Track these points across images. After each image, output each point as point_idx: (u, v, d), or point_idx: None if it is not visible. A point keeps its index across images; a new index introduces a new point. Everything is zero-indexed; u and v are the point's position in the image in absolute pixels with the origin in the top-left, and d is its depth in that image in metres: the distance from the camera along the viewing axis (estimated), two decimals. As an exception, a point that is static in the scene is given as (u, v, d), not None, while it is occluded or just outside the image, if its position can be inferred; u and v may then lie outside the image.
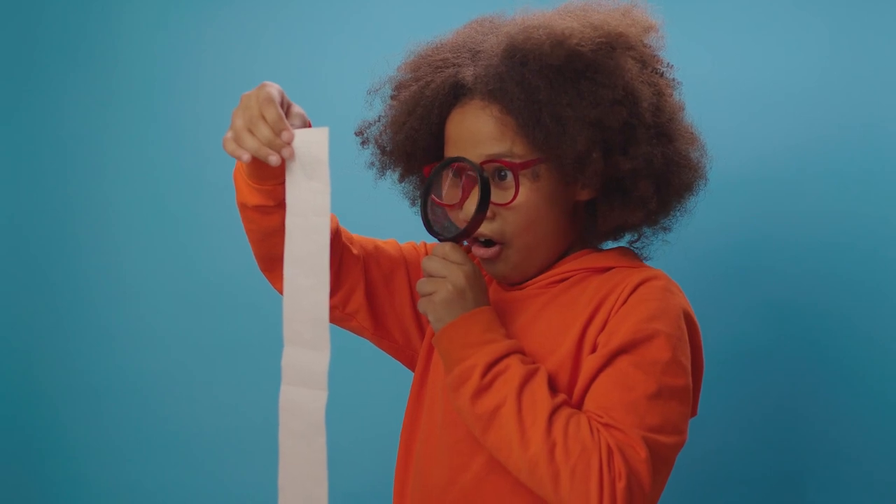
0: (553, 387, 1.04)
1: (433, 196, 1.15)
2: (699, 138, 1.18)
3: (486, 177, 1.07)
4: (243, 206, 1.12)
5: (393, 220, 1.36)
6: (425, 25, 1.24)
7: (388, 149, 1.20)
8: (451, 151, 1.14)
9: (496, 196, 1.09)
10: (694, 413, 1.13)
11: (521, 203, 1.10)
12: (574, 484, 0.97)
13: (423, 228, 1.13)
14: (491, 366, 1.03)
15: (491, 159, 1.10)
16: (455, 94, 1.13)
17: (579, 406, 1.05)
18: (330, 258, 1.00)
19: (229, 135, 1.01)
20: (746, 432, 1.55)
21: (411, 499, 1.17)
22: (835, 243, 1.51)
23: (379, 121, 1.21)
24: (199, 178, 1.87)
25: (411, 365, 1.27)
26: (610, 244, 1.21)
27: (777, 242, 1.54)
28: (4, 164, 1.98)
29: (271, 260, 1.15)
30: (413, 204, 1.27)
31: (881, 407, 1.49)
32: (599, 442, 0.98)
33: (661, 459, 1.02)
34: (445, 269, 1.07)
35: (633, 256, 1.19)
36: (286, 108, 1.03)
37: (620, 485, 0.97)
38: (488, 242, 1.13)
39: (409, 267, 1.24)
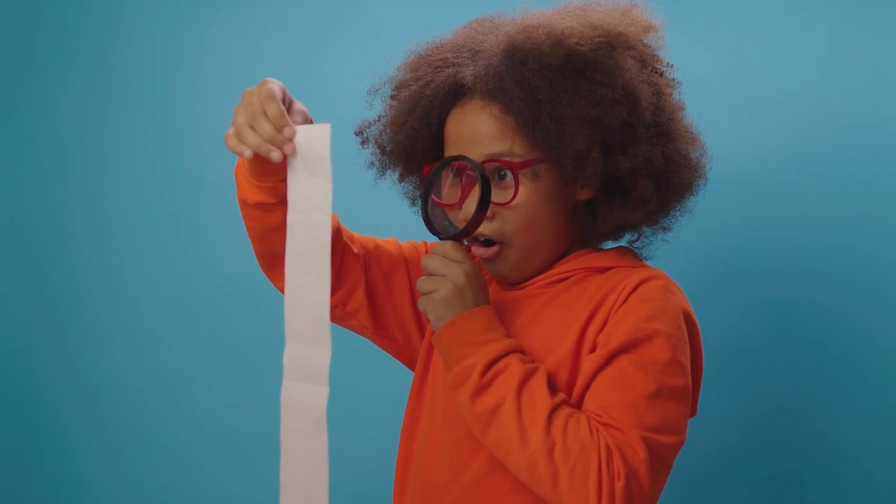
0: (552, 386, 1.04)
1: (433, 196, 1.15)
2: (699, 138, 1.18)
3: (486, 175, 1.07)
4: (244, 204, 1.12)
5: (393, 219, 1.36)
6: (425, 25, 1.24)
7: (387, 148, 1.20)
8: (450, 151, 1.14)
9: (496, 196, 1.09)
10: (693, 413, 1.12)
11: (521, 202, 1.10)
12: (573, 483, 0.97)
13: (423, 228, 1.13)
14: (490, 365, 1.03)
15: (491, 159, 1.10)
16: (455, 93, 1.13)
17: (578, 405, 1.05)
18: (331, 256, 1.00)
19: (231, 131, 1.01)
20: (746, 432, 1.55)
21: (411, 498, 1.17)
22: (835, 243, 1.51)
23: (379, 120, 1.21)
24: (199, 178, 1.87)
25: (411, 364, 1.27)
26: (610, 244, 1.21)
27: (777, 242, 1.54)
28: (4, 164, 1.98)
29: (272, 258, 1.15)
30: (413, 204, 1.27)
31: (881, 407, 1.49)
32: (598, 441, 0.98)
33: (660, 459, 1.02)
34: (445, 267, 1.07)
35: (632, 256, 1.19)
36: (288, 104, 1.03)
37: (619, 484, 0.97)
38: (488, 242, 1.13)
39: (409, 266, 1.24)
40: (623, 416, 1.01)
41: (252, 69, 1.82)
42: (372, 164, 1.23)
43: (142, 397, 1.90)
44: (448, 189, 1.14)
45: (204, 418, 1.87)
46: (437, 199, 1.15)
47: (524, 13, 1.16)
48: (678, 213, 1.19)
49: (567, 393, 1.06)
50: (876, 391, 1.49)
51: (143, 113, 1.92)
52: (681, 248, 1.30)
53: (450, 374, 1.05)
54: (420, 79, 1.16)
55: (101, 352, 1.92)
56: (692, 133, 1.17)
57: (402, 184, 1.26)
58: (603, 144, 1.08)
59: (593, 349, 1.07)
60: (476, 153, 1.10)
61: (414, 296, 1.22)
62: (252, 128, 1.00)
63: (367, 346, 1.32)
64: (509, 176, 1.10)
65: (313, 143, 1.00)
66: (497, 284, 1.20)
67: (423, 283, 1.08)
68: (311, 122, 1.05)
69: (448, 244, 1.09)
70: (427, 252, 1.23)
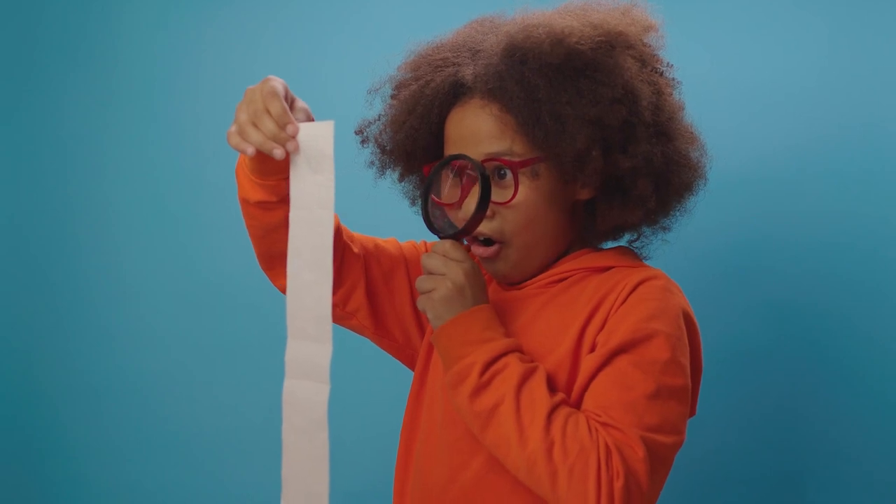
0: (552, 386, 1.04)
1: (433, 195, 1.15)
2: (699, 138, 1.18)
3: (486, 174, 1.07)
4: (245, 203, 1.12)
5: (393, 219, 1.36)
6: (425, 25, 1.24)
7: (387, 148, 1.20)
8: (450, 150, 1.14)
9: (496, 195, 1.09)
10: (693, 413, 1.12)
11: (521, 202, 1.10)
12: (572, 483, 0.97)
13: (423, 228, 1.13)
14: (490, 364, 1.03)
15: (490, 158, 1.10)
16: (455, 93, 1.13)
17: (578, 405, 1.04)
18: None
19: (233, 129, 1.01)
20: (746, 432, 1.55)
21: (411, 497, 1.17)
22: (835, 243, 1.51)
23: (379, 119, 1.21)
24: (199, 178, 1.87)
25: (411, 364, 1.27)
26: (609, 244, 1.21)
27: (777, 242, 1.54)
28: (4, 164, 1.98)
29: (272, 257, 1.15)
30: (413, 203, 1.27)
31: (881, 407, 1.49)
32: (598, 441, 0.98)
33: (660, 459, 1.02)
34: (445, 266, 1.07)
35: (632, 256, 1.19)
36: (290, 102, 1.03)
37: (618, 484, 0.97)
38: (488, 241, 1.13)
39: (409, 265, 1.24)
40: (622, 415, 1.01)
41: (252, 69, 1.82)
42: (372, 163, 1.23)
43: (142, 397, 1.90)
44: (448, 188, 1.14)
45: (204, 418, 1.87)
46: (436, 199, 1.15)
47: (524, 13, 1.16)
48: (678, 213, 1.19)
49: (566, 393, 1.06)
50: (876, 391, 1.49)
51: (143, 113, 1.92)
52: (681, 248, 1.30)
53: (449, 373, 1.05)
54: (420, 78, 1.16)
55: (101, 352, 1.92)
56: (692, 133, 1.17)
57: (402, 183, 1.26)
58: (603, 143, 1.08)
59: (593, 349, 1.07)
60: (476, 152, 1.10)
61: (414, 295, 1.22)
62: (255, 125, 0.99)
63: (367, 346, 1.32)
64: (509, 175, 1.10)
65: (317, 140, 1.00)
66: (497, 284, 1.20)
67: (422, 282, 1.08)
68: (313, 120, 1.05)
69: (448, 243, 1.09)
70: (427, 251, 1.23)
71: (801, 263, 1.52)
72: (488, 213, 1.09)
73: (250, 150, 1.00)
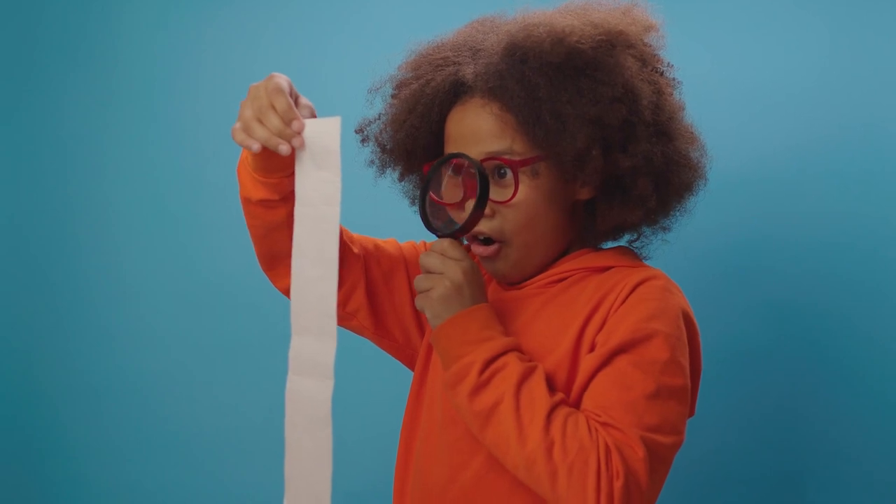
0: (551, 385, 1.04)
1: (432, 194, 1.14)
2: (699, 138, 1.18)
3: (484, 172, 1.06)
4: (247, 202, 1.11)
5: (392, 219, 1.36)
6: (425, 25, 1.24)
7: (388, 147, 1.20)
8: (451, 149, 1.14)
9: (495, 194, 1.09)
10: (692, 413, 1.12)
11: (521, 201, 1.10)
12: (571, 482, 0.97)
13: (423, 228, 1.13)
14: (489, 363, 1.03)
15: (491, 157, 1.10)
16: (455, 92, 1.13)
17: (577, 405, 1.04)
18: None
19: (238, 125, 1.01)
20: (745, 432, 1.55)
21: (411, 497, 1.17)
22: (835, 243, 1.51)
23: (379, 119, 1.21)
24: (199, 178, 1.87)
25: (411, 364, 1.26)
26: (609, 244, 1.21)
27: (777, 242, 1.54)
28: (4, 164, 1.98)
29: (272, 257, 1.15)
30: (413, 203, 1.27)
31: (881, 407, 1.49)
32: (597, 441, 0.98)
33: (659, 459, 1.02)
34: (443, 265, 1.07)
35: (632, 256, 1.19)
36: (294, 99, 1.02)
37: (618, 484, 0.97)
38: (487, 240, 1.13)
39: (408, 266, 1.24)
40: (622, 415, 1.01)
41: (252, 69, 1.81)
42: (372, 162, 1.23)
43: (142, 397, 1.90)
44: (447, 187, 1.14)
45: (204, 418, 1.87)
46: (435, 197, 1.15)
47: (525, 12, 1.16)
48: (678, 213, 1.19)
49: (566, 392, 1.06)
50: (876, 391, 1.49)
51: (143, 113, 1.92)
52: (681, 248, 1.30)
53: (448, 373, 1.05)
54: (421, 77, 1.16)
55: (101, 352, 1.92)
56: (692, 133, 1.17)
57: (402, 183, 1.26)
58: (603, 143, 1.08)
59: (592, 349, 1.07)
60: (476, 151, 1.10)
61: (413, 295, 1.22)
62: (260, 121, 0.99)
63: (367, 346, 1.31)
64: (509, 174, 1.10)
65: (323, 136, 0.99)
66: (496, 284, 1.20)
67: (420, 281, 1.08)
68: (316, 118, 1.04)
69: (446, 242, 1.09)
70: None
71: (801, 263, 1.52)
72: (488, 212, 1.09)
73: (256, 147, 0.99)
